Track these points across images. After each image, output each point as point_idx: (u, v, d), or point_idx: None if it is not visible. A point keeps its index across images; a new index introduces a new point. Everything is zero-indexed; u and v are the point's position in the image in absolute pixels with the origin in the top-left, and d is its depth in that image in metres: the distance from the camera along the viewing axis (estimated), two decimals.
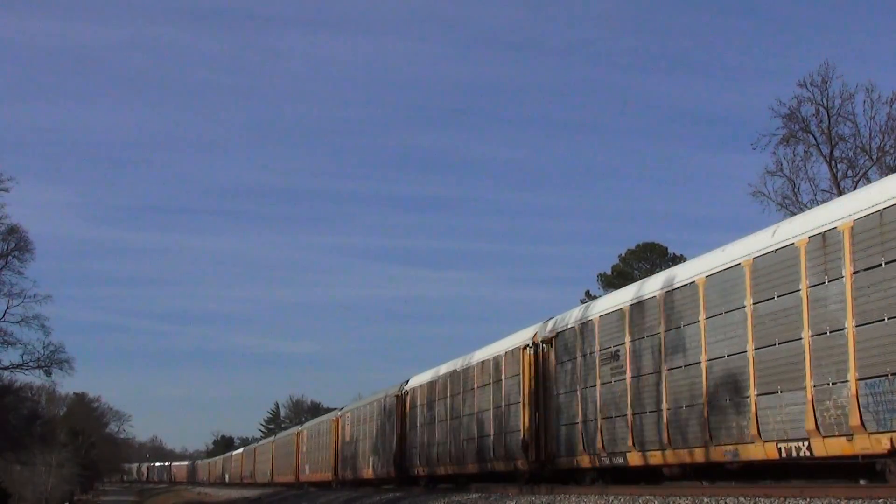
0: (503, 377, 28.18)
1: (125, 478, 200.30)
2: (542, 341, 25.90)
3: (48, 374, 69.91)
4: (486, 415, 29.21)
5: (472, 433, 30.38)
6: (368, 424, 43.62)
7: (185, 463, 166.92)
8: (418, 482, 36.64)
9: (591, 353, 23.03)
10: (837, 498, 13.99)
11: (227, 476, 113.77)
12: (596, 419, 22.63)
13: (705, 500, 15.89)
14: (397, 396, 39.38)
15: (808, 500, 14.28)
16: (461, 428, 30.99)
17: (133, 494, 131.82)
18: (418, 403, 36.38)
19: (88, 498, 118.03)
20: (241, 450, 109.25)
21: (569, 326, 24.44)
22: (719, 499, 15.64)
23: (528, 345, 26.65)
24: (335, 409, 57.74)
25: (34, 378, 74.62)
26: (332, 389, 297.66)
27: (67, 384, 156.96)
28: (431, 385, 34.31)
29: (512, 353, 27.72)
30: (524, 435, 26.29)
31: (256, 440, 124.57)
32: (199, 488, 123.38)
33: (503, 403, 27.99)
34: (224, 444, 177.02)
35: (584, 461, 23.39)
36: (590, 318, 23.36)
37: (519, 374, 27.02)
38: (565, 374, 24.52)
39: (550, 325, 25.85)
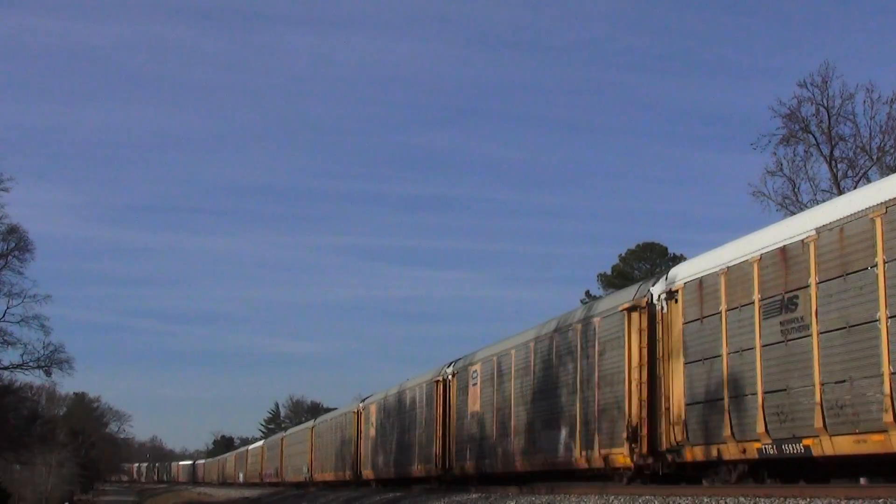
0: None
1: (124, 478, 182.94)
2: None
3: (48, 374, 64.40)
4: None
5: None
6: (535, 374, 24.17)
7: (200, 462, 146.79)
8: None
9: None
10: (837, 498, 12.30)
11: (241, 475, 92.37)
12: None
13: (705, 500, 14.18)
14: (587, 325, 20.58)
15: (808, 500, 12.64)
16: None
17: (133, 494, 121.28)
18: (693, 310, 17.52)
19: (88, 498, 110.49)
20: (260, 443, 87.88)
21: None
22: (719, 499, 14.02)
23: None
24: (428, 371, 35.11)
25: (34, 378, 69.31)
26: (332, 389, 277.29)
27: (67, 384, 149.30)
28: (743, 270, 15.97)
29: None
30: None
31: (256, 440, 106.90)
32: (200, 488, 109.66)
33: None
34: (224, 444, 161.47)
35: None
36: None
37: None
38: None
39: None
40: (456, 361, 31.30)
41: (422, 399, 34.10)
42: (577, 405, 21.39)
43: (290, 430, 72.66)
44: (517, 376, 25.17)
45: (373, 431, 41.64)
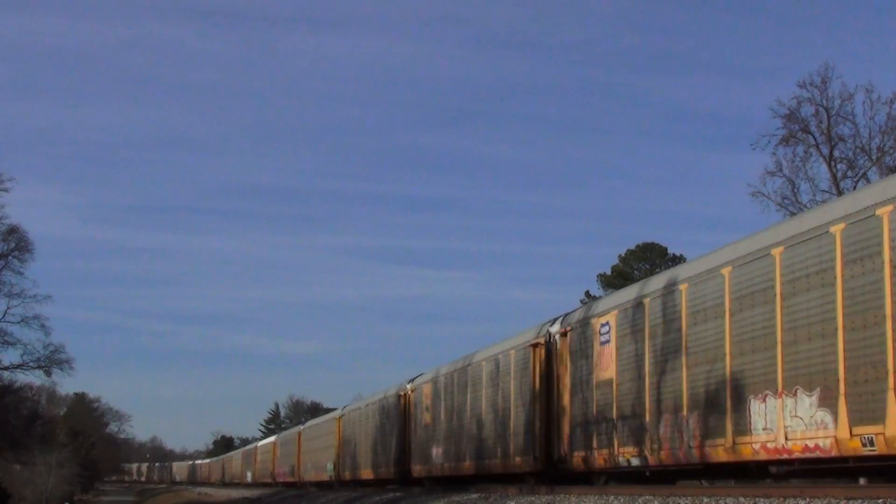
0: None
1: (125, 478, 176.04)
2: None
3: (48, 374, 63.09)
4: None
5: None
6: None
7: (204, 461, 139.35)
8: None
9: None
10: (837, 498, 11.97)
11: (248, 475, 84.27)
12: None
13: (705, 500, 13.94)
14: None
15: (808, 500, 12.37)
16: None
17: (133, 494, 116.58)
18: None
19: (88, 498, 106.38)
20: (272, 438, 79.71)
21: None
22: (719, 499, 13.74)
23: None
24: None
25: (34, 378, 67.64)
26: (332, 389, 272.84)
27: (67, 384, 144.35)
28: None
29: None
30: None
31: (256, 440, 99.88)
32: (200, 488, 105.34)
33: None
34: (224, 444, 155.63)
35: None
36: None
37: None
38: None
39: None
40: (566, 316, 23.67)
41: (507, 371, 26.56)
42: (779, 362, 13.76)
43: (309, 423, 64.52)
44: (692, 323, 17.53)
45: (427, 417, 33.95)
